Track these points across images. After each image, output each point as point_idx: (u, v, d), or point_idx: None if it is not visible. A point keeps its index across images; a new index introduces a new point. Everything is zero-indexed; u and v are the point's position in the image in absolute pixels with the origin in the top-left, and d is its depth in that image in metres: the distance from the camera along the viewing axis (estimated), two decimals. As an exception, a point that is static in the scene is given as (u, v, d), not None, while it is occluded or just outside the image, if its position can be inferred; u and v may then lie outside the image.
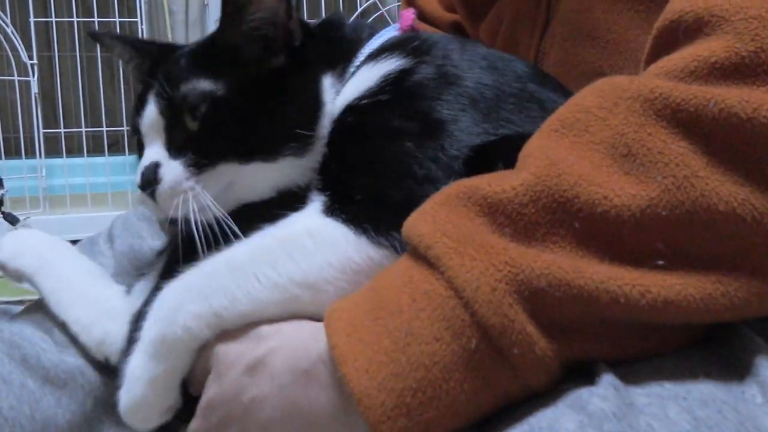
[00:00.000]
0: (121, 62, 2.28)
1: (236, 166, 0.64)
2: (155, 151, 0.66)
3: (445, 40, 0.71)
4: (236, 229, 0.62)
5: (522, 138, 0.58)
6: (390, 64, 0.65)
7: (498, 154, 0.58)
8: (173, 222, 0.66)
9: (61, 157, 2.22)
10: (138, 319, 0.63)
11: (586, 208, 0.43)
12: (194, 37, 2.74)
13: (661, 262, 0.42)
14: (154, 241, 0.81)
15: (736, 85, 0.43)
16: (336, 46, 0.71)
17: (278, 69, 0.67)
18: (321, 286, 0.54)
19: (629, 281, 0.42)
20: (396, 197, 0.56)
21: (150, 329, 0.58)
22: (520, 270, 0.42)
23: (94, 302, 0.72)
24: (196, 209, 0.63)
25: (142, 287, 0.70)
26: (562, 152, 0.46)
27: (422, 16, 1.07)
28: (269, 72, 0.66)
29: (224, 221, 0.63)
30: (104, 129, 2.20)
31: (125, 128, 2.26)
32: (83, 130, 2.19)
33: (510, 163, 0.53)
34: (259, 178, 0.65)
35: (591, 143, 0.46)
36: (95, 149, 2.26)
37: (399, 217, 0.52)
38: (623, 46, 0.68)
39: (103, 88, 2.27)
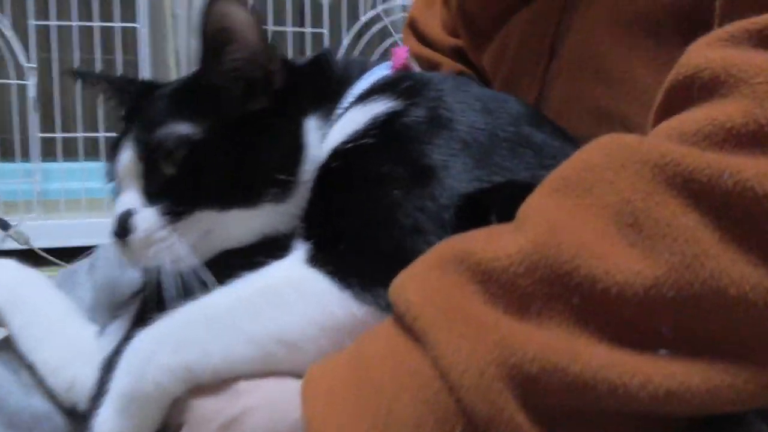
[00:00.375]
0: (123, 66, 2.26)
1: (214, 213, 0.62)
2: (130, 197, 0.64)
3: (438, 80, 0.68)
4: (213, 279, 0.59)
5: (516, 186, 0.56)
6: (379, 106, 0.62)
7: (491, 204, 0.55)
8: (148, 270, 0.63)
9: (57, 161, 2.18)
10: (108, 367, 0.61)
11: (586, 283, 0.40)
12: (197, 41, 2.71)
13: (664, 351, 0.39)
14: (134, 273, 0.78)
15: (753, 155, 0.39)
16: (323, 87, 0.68)
17: (260, 112, 0.64)
18: (300, 344, 0.51)
19: (629, 369, 0.38)
20: (382, 248, 0.54)
21: (119, 382, 0.55)
22: (512, 353, 0.39)
23: (65, 344, 0.69)
24: (171, 259, 0.61)
25: (116, 329, 0.67)
26: (563, 216, 0.42)
27: (424, 39, 1.04)
28: (250, 115, 0.64)
29: (201, 271, 0.60)
30: (102, 134, 2.16)
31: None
32: (80, 134, 2.16)
33: (503, 213, 0.50)
34: (238, 226, 0.63)
35: (595, 207, 0.42)
36: (92, 154, 2.23)
37: (385, 270, 0.49)
38: (630, 85, 0.65)
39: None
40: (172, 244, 0.61)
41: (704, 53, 0.44)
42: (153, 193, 0.63)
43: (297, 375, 0.50)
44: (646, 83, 0.63)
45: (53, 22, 2.12)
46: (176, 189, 0.62)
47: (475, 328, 0.40)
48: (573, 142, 0.64)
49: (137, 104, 0.68)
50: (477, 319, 0.41)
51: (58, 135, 2.16)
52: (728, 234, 0.39)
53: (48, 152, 2.18)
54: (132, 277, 0.76)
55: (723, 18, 0.48)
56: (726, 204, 0.39)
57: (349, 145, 0.61)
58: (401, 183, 0.56)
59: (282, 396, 0.50)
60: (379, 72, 0.71)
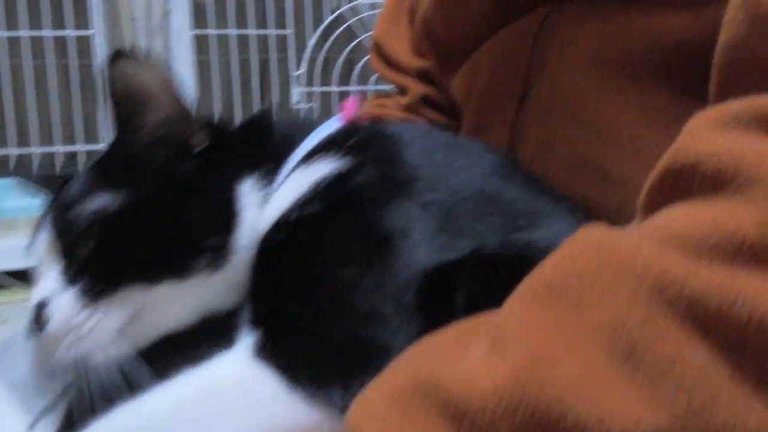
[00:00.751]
0: (79, 74, 2.16)
1: (141, 290, 0.54)
2: (48, 283, 0.57)
3: (392, 131, 0.61)
4: (149, 373, 0.52)
5: (483, 259, 0.50)
6: (323, 167, 0.56)
7: (457, 280, 0.49)
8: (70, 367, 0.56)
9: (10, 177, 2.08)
10: None
11: None
12: (157, 45, 2.61)
13: None
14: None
15: None
16: (260, 148, 0.62)
17: (184, 176, 0.58)
18: None
19: None
20: (337, 338, 0.47)
21: None
22: None
23: None
24: (96, 349, 0.54)
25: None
26: (547, 338, 0.35)
27: (389, 62, 0.97)
28: (174, 180, 0.58)
29: (134, 364, 0.53)
30: (59, 148, 2.07)
31: (82, 147, 2.15)
32: (35, 149, 2.06)
33: (471, 292, 0.47)
34: (170, 303, 0.56)
35: (584, 327, 0.35)
36: (50, 169, 2.13)
37: (341, 366, 0.44)
38: (614, 133, 0.58)
39: (60, 103, 2.14)
40: (95, 331, 0.54)
41: (707, 138, 0.37)
42: (72, 275, 0.56)
43: None
44: (627, 130, 0.57)
45: (3, 33, 2.01)
46: (96, 266, 0.55)
47: None
48: (549, 194, 0.58)
49: (61, 186, 0.62)
50: None
51: (12, 151, 2.06)
52: (743, 373, 0.32)
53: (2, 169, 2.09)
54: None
55: (722, 83, 0.41)
56: (740, 338, 0.32)
57: (293, 215, 0.54)
58: (355, 259, 0.50)
59: None
60: (328, 128, 0.64)
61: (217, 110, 2.17)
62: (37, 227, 0.60)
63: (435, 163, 0.57)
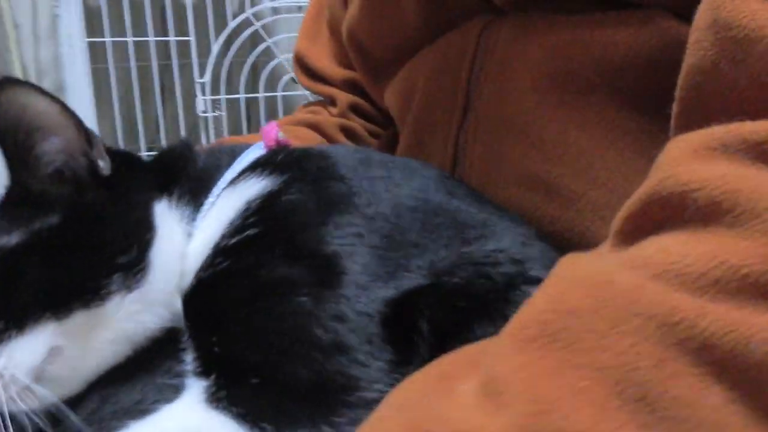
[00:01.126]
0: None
1: (54, 323, 0.50)
2: None
3: (322, 148, 0.60)
4: (77, 420, 0.47)
5: (446, 288, 0.48)
6: (251, 187, 0.53)
7: (420, 309, 0.47)
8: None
9: None
10: None
11: None
12: (45, 52, 2.45)
13: None
14: None
15: None
16: (178, 174, 0.58)
17: (90, 201, 0.54)
18: None
19: None
20: (301, 377, 0.43)
21: None
22: None
23: None
24: (14, 394, 0.48)
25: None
26: (549, 383, 0.33)
27: (314, 74, 0.96)
28: (79, 206, 0.54)
29: (57, 410, 0.48)
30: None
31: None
32: None
33: (435, 321, 0.45)
34: (91, 332, 0.51)
35: (589, 370, 0.32)
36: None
37: (308, 404, 0.42)
38: (562, 150, 0.58)
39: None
40: (8, 371, 0.49)
41: (695, 166, 0.36)
42: None
43: None
44: (576, 146, 0.57)
45: None
46: None
47: None
48: (492, 209, 0.57)
49: None
50: None
51: None
52: (761, 414, 0.31)
53: None
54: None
55: (688, 107, 0.40)
56: (756, 379, 0.31)
57: (232, 241, 0.51)
58: (305, 287, 0.47)
59: None
60: (252, 154, 0.61)
61: (117, 120, 2.05)
62: None
63: (371, 177, 0.55)
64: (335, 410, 0.42)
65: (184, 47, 2.08)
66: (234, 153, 0.61)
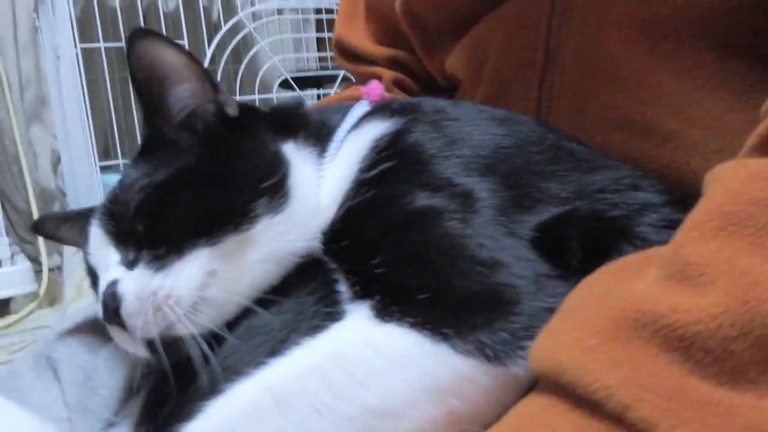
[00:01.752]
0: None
1: (208, 249, 0.52)
2: (108, 273, 0.55)
3: (430, 98, 0.64)
4: (235, 341, 0.50)
5: (582, 210, 0.51)
6: (375, 128, 0.57)
7: (566, 230, 0.50)
8: (153, 347, 0.52)
9: None
10: None
11: None
12: (26, 64, 2.41)
13: None
14: (114, 362, 0.63)
15: None
16: (297, 122, 0.63)
17: (224, 138, 0.59)
18: (402, 412, 0.43)
19: None
20: (469, 289, 0.46)
21: None
22: None
23: None
24: (178, 317, 0.51)
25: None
26: (750, 263, 0.36)
27: (355, 55, 0.98)
28: (215, 142, 0.58)
29: (220, 331, 0.51)
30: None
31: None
32: None
33: (585, 240, 0.47)
34: (243, 256, 0.54)
35: None
36: None
37: (480, 312, 0.44)
38: (654, 91, 0.61)
39: None
40: (173, 295, 0.51)
41: None
42: (132, 256, 0.55)
43: None
44: (671, 87, 0.60)
45: None
46: (155, 238, 0.54)
47: (713, 413, 0.33)
48: (591, 149, 0.60)
49: None
50: (703, 400, 0.34)
51: None
52: None
53: None
54: (112, 366, 0.62)
55: None
56: None
57: (372, 173, 0.54)
58: (452, 212, 0.50)
59: None
60: (360, 108, 0.65)
61: (115, 128, 2.02)
62: (87, 229, 0.59)
63: (485, 118, 0.58)
64: (508, 317, 0.44)
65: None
66: (343, 108, 0.65)
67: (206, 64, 1.99)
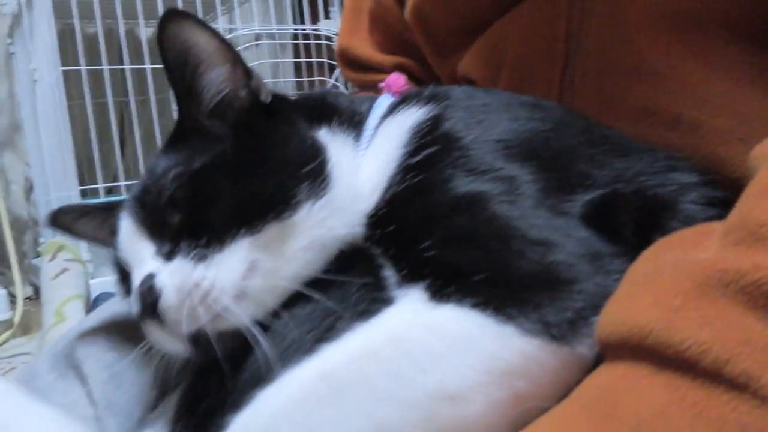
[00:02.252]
0: None
1: (249, 239, 0.51)
2: (145, 266, 0.53)
3: (458, 86, 0.64)
4: (280, 330, 0.49)
5: (628, 191, 0.51)
6: (412, 115, 0.57)
7: (617, 209, 0.50)
8: (199, 342, 0.51)
9: None
10: None
11: None
12: (0, 89, 2.37)
13: None
14: (140, 362, 0.61)
15: None
16: (331, 111, 0.62)
17: (259, 124, 0.58)
18: (466, 396, 0.41)
19: None
20: (527, 270, 0.45)
21: None
22: None
23: None
24: (219, 311, 0.49)
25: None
26: None
27: (361, 65, 1.00)
28: (249, 129, 0.57)
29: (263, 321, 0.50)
30: None
31: None
32: None
33: (636, 217, 0.48)
34: (284, 242, 0.52)
35: None
36: None
37: (539, 293, 0.43)
38: (679, 82, 0.62)
39: None
40: (214, 289, 0.50)
41: None
42: (169, 248, 0.53)
43: None
44: (696, 78, 0.61)
45: None
46: (193, 229, 0.52)
47: None
48: (621, 134, 0.61)
49: None
50: None
51: None
52: None
53: None
54: (139, 362, 0.60)
55: None
56: None
57: (417, 159, 0.53)
58: (500, 195, 0.49)
59: None
60: (386, 99, 0.65)
61: (90, 153, 1.99)
62: (118, 219, 0.57)
63: (518, 104, 0.59)
64: (570, 296, 0.43)
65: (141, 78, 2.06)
66: (369, 98, 0.65)
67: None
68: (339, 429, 0.41)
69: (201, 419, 0.50)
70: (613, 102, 0.65)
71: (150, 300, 0.50)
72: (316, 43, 2.40)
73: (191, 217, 0.53)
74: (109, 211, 0.64)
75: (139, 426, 0.55)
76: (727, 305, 0.35)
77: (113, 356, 0.62)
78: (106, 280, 1.81)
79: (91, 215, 0.68)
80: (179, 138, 0.58)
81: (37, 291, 2.26)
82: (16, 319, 2.02)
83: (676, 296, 0.37)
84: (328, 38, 2.42)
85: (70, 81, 2.01)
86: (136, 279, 0.52)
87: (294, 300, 0.52)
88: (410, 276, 0.48)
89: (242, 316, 0.49)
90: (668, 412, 0.34)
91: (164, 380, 0.58)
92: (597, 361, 0.42)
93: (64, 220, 0.69)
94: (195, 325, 0.50)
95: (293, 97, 0.65)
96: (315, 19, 2.47)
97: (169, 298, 0.50)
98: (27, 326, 2.10)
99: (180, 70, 0.56)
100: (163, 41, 0.55)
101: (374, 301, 0.49)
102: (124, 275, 0.57)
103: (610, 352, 0.40)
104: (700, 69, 0.61)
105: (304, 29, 2.40)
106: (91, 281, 1.85)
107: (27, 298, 2.24)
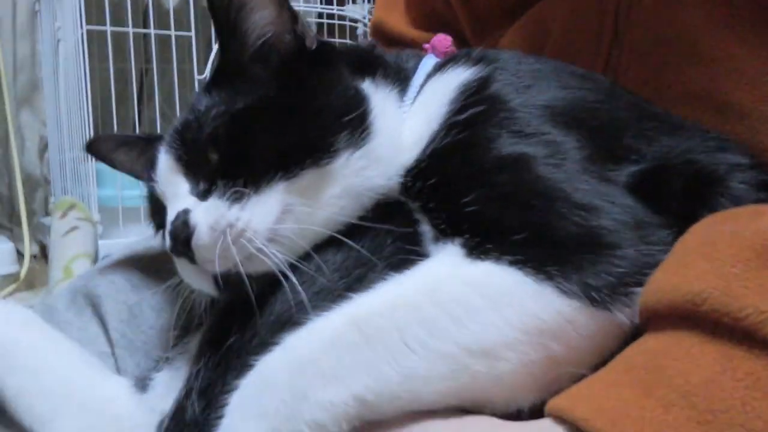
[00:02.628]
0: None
1: (285, 183, 0.51)
2: (180, 202, 0.53)
3: (508, 50, 0.63)
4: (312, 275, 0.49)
5: (676, 165, 0.51)
6: (460, 74, 0.56)
7: (672, 179, 0.49)
8: (228, 282, 0.51)
9: None
10: (176, 426, 0.46)
11: None
12: (23, 47, 2.37)
13: None
14: (156, 297, 0.61)
15: None
16: (375, 64, 0.61)
17: (303, 69, 0.57)
18: (499, 353, 0.41)
19: None
20: (569, 231, 0.44)
21: (244, 430, 0.41)
22: None
23: (88, 409, 0.51)
24: (252, 252, 0.49)
25: (166, 380, 0.51)
26: None
27: (393, 39, 0.99)
28: (293, 73, 0.56)
29: (299, 264, 0.50)
30: None
31: None
32: None
33: (684, 191, 0.48)
34: (320, 189, 0.52)
35: None
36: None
37: (581, 255, 0.42)
38: (730, 66, 0.60)
39: None
40: (248, 230, 0.50)
41: None
42: (206, 186, 0.53)
43: (496, 395, 0.42)
44: (748, 62, 0.59)
45: None
46: (231, 168, 0.52)
47: None
48: (670, 113, 0.60)
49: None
50: None
51: None
52: None
53: None
54: (154, 304, 0.59)
55: None
56: None
57: (463, 116, 0.52)
58: (545, 158, 0.49)
59: None
60: (431, 59, 0.65)
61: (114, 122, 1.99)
62: (157, 152, 0.56)
63: (568, 73, 0.58)
64: (612, 260, 0.43)
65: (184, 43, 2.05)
66: (416, 55, 0.65)
67: (212, 57, 1.97)
68: (367, 376, 0.41)
69: (224, 358, 0.50)
70: (660, 83, 0.64)
71: (183, 236, 0.50)
72: (340, 24, 2.39)
73: (229, 158, 0.52)
74: (149, 143, 0.64)
75: (157, 365, 0.55)
76: None
77: (133, 296, 0.62)
78: (114, 242, 1.81)
79: (130, 146, 0.67)
80: (222, 77, 0.58)
81: (43, 249, 2.26)
82: (22, 273, 2.02)
83: (735, 264, 0.36)
84: (354, 21, 2.41)
85: (93, 43, 2.00)
86: (171, 214, 0.52)
87: (327, 246, 0.51)
88: (448, 231, 0.47)
89: (274, 259, 0.49)
90: (720, 380, 0.34)
91: (186, 321, 0.57)
92: (634, 337, 0.42)
93: (102, 147, 0.68)
94: (227, 265, 0.50)
95: (340, 47, 0.64)
96: (342, 2, 2.46)
97: (202, 235, 0.50)
98: (31, 283, 2.11)
99: (225, 10, 0.56)
100: None
101: (409, 253, 0.49)
102: (156, 209, 0.57)
103: (655, 321, 0.40)
104: (752, 54, 0.60)
105: (331, 10, 2.39)
106: (100, 242, 1.85)
107: (33, 255, 2.24)
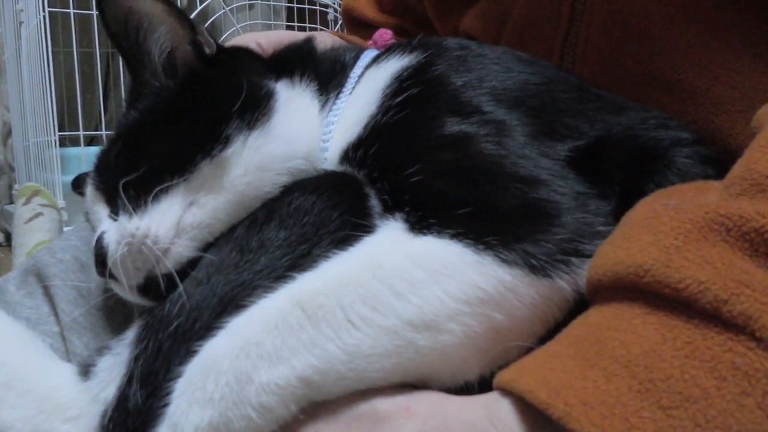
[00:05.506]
0: None
1: (183, 183, 0.53)
2: (102, 227, 0.56)
3: (449, 37, 0.63)
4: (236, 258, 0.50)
5: (631, 139, 0.51)
6: (397, 62, 0.57)
7: (605, 155, 0.50)
8: (150, 288, 0.53)
9: None
10: (119, 416, 0.45)
11: None
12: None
13: None
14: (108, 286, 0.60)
15: None
16: (299, 62, 0.64)
17: (198, 76, 0.60)
18: (442, 325, 0.41)
19: None
20: (510, 203, 0.45)
21: (192, 419, 0.40)
22: None
23: (31, 398, 0.50)
24: (164, 250, 0.52)
25: (109, 366, 0.50)
26: None
27: (363, 23, 1.01)
28: (188, 82, 0.59)
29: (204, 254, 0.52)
30: None
31: None
32: None
33: (625, 165, 0.48)
34: (221, 177, 0.54)
35: None
36: None
37: (520, 225, 0.43)
38: (683, 48, 0.61)
39: None
40: (152, 232, 0.52)
41: None
42: (114, 208, 0.56)
43: (442, 369, 0.42)
44: (700, 45, 0.60)
45: None
46: (131, 183, 0.53)
47: None
48: (615, 95, 0.60)
49: None
50: None
51: None
52: None
53: None
54: (105, 283, 0.59)
55: None
56: None
57: (399, 99, 0.53)
58: (485, 136, 0.49)
59: (465, 416, 0.38)
60: (372, 52, 0.65)
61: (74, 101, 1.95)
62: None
63: (510, 56, 0.58)
64: (551, 229, 0.43)
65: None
66: (356, 48, 0.67)
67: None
68: (312, 356, 0.40)
69: (166, 344, 0.49)
70: (614, 64, 0.65)
71: (100, 258, 0.53)
72: (311, 9, 2.37)
73: (128, 173, 0.53)
74: None
75: (102, 349, 0.54)
76: (727, 249, 0.35)
77: (83, 278, 0.62)
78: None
79: None
80: (135, 96, 0.60)
81: (8, 238, 2.23)
82: (-14, 261, 1.99)
83: (676, 237, 0.36)
84: (324, 6, 2.40)
85: (57, 26, 1.96)
86: (93, 240, 0.55)
87: (269, 223, 0.51)
88: (391, 203, 0.47)
89: (169, 266, 0.51)
90: (660, 350, 0.34)
91: (127, 307, 0.58)
92: (579, 310, 0.42)
93: (84, 185, 0.71)
94: (140, 276, 0.52)
95: (255, 49, 0.68)
96: (311, -14, 2.45)
97: (111, 252, 0.52)
98: (-5, 271, 2.07)
99: (125, 36, 0.58)
100: (104, 9, 0.57)
101: (356, 227, 0.48)
102: None
103: (601, 294, 0.40)
104: (706, 37, 0.60)
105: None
106: (65, 228, 1.82)
107: (-3, 244, 2.20)
